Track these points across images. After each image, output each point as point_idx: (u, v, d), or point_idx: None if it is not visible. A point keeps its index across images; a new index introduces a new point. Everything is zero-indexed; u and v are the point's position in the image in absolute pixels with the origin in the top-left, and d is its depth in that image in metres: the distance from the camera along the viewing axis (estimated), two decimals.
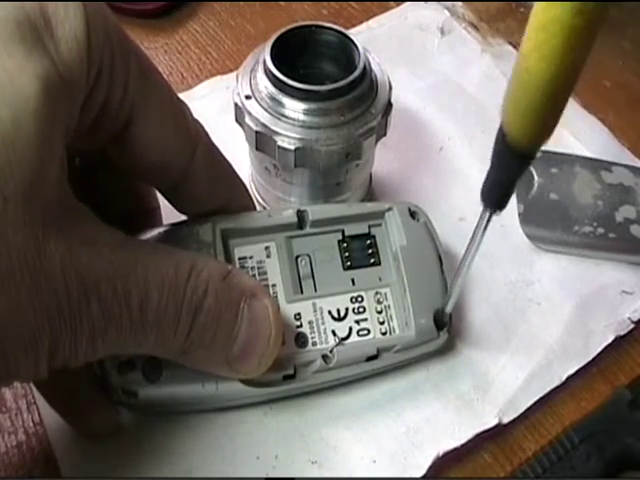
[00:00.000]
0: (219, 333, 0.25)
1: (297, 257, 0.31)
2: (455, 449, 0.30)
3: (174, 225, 0.29)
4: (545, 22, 0.17)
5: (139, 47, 0.24)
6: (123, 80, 0.23)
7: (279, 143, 0.31)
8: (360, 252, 0.31)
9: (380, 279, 0.31)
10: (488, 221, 0.25)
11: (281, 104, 0.31)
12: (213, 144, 0.28)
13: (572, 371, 0.33)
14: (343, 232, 0.31)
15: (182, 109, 0.26)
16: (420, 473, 0.29)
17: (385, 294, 0.31)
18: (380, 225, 0.32)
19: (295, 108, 0.31)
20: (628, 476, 0.32)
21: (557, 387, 0.32)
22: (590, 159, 0.40)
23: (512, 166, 0.21)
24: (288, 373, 0.29)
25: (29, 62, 0.20)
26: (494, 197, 0.23)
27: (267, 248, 0.30)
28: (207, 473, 0.29)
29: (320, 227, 0.31)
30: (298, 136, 0.31)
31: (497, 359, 0.33)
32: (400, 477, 0.29)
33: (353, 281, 0.31)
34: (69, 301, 0.21)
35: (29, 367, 0.21)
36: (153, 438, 0.29)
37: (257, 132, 0.31)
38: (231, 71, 0.45)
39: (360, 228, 0.32)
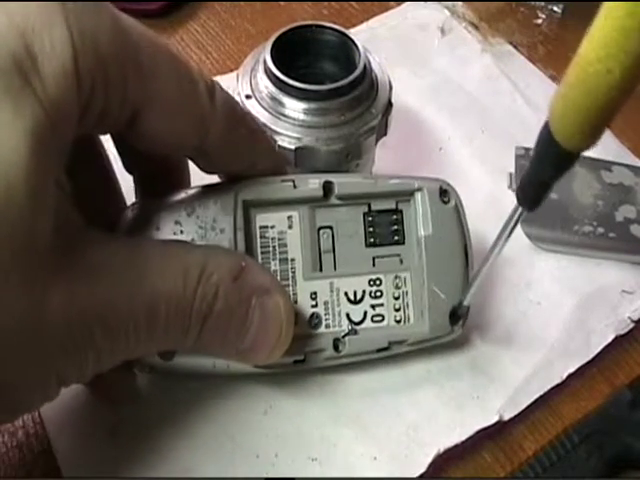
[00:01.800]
0: (229, 333, 0.26)
1: (319, 229, 0.30)
2: (456, 446, 0.30)
3: (199, 188, 0.29)
4: (623, 29, 0.17)
5: (139, 34, 0.23)
6: (120, 90, 0.22)
7: (279, 143, 0.31)
8: (385, 228, 0.30)
9: (401, 262, 0.30)
10: (519, 218, 0.25)
11: (281, 104, 0.31)
12: (235, 112, 0.27)
13: (572, 370, 0.33)
14: (369, 206, 0.30)
15: (192, 88, 0.25)
16: (421, 470, 0.29)
17: (404, 279, 0.30)
18: (409, 201, 0.31)
19: (295, 108, 0.31)
20: (628, 476, 0.32)
21: (557, 386, 0.32)
22: (590, 159, 0.40)
23: (558, 167, 0.21)
24: (298, 359, 0.29)
25: (17, 117, 0.19)
26: (531, 196, 0.24)
27: (290, 218, 0.29)
28: (207, 472, 0.29)
29: (346, 200, 0.30)
30: (298, 136, 0.31)
31: (497, 357, 0.33)
32: (400, 477, 0.29)
33: (374, 261, 0.30)
34: (73, 339, 0.21)
35: (38, 401, 0.22)
36: (153, 438, 0.29)
37: (261, 128, 0.31)
38: (231, 71, 0.45)
39: (387, 203, 0.30)
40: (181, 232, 0.28)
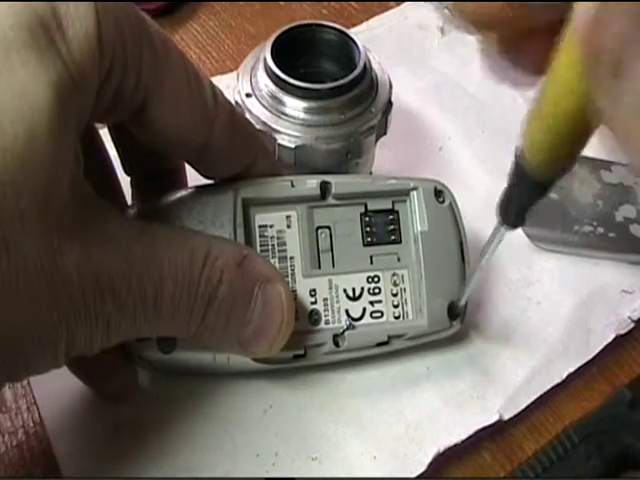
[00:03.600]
0: (232, 319, 0.26)
1: (317, 229, 0.30)
2: (455, 445, 0.30)
3: (198, 187, 0.29)
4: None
5: (154, 28, 0.24)
6: (135, 70, 0.23)
7: (280, 141, 0.31)
8: (382, 227, 0.31)
9: (399, 259, 0.31)
10: (502, 236, 0.26)
11: (282, 102, 0.31)
12: (234, 114, 0.28)
13: (572, 369, 0.33)
14: (366, 206, 0.31)
15: (199, 86, 0.26)
16: (421, 469, 0.29)
17: (402, 276, 0.31)
18: (405, 201, 0.31)
19: (296, 106, 0.31)
20: (628, 476, 0.32)
21: (557, 386, 0.32)
22: (590, 158, 0.40)
23: (529, 193, 0.22)
24: (298, 353, 0.29)
25: (42, 70, 0.20)
26: (511, 217, 0.24)
27: (288, 217, 0.30)
28: (207, 472, 0.29)
29: (343, 200, 0.30)
30: (298, 134, 0.31)
31: (497, 357, 0.33)
32: (400, 477, 0.29)
33: (371, 259, 0.30)
34: (85, 301, 0.21)
35: (46, 363, 0.22)
36: (152, 438, 0.29)
37: (257, 130, 0.31)
38: (231, 71, 0.44)
39: (384, 203, 0.31)
40: (183, 224, 0.28)
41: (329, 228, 0.30)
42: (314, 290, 0.30)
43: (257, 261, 0.27)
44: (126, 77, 0.23)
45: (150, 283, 0.23)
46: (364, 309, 0.30)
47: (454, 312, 0.31)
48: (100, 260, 0.22)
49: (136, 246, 0.23)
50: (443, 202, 0.31)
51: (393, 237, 0.31)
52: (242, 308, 0.26)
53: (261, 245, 0.29)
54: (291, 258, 0.30)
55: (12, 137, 0.19)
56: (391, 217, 0.31)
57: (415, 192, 0.31)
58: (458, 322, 0.31)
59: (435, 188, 0.31)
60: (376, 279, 0.30)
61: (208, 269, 0.25)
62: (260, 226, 0.29)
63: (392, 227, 0.31)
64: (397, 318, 0.30)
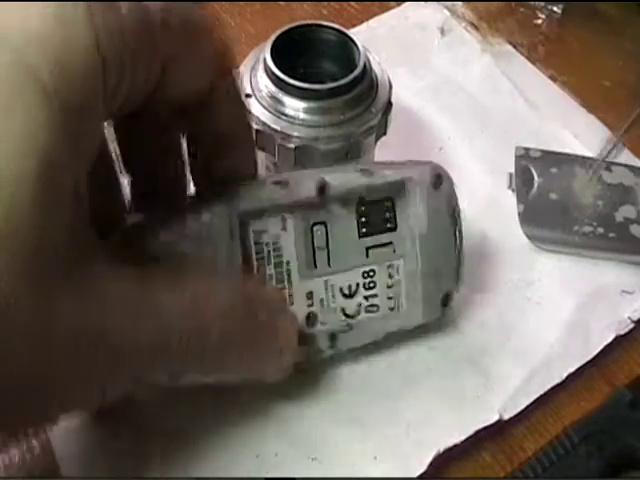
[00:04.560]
0: (244, 355, 0.26)
1: (313, 225, 0.30)
2: (455, 446, 0.30)
3: (192, 199, 0.29)
4: None
5: (166, 25, 0.22)
6: (143, 78, 0.22)
7: (279, 142, 0.31)
8: (377, 215, 0.30)
9: (394, 250, 0.31)
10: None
11: (281, 103, 0.31)
12: (235, 85, 0.26)
13: (572, 369, 0.33)
14: (361, 197, 0.30)
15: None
16: (421, 469, 0.29)
17: (397, 267, 0.31)
18: (401, 190, 0.30)
19: (295, 107, 0.31)
20: (628, 476, 0.32)
21: (557, 386, 0.32)
22: (590, 158, 0.40)
23: None
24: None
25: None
26: None
27: (283, 219, 0.29)
28: (207, 472, 0.29)
29: (339, 194, 0.30)
30: (298, 134, 0.31)
31: (497, 357, 0.33)
32: (400, 477, 0.29)
33: (367, 252, 0.30)
34: (78, 357, 0.21)
35: (40, 419, 0.22)
36: (152, 438, 0.29)
37: (257, 131, 0.31)
38: None
39: (379, 194, 0.30)
40: (177, 241, 0.27)
41: (324, 224, 0.30)
42: (310, 293, 0.30)
43: (261, 292, 0.27)
44: (133, 88, 0.21)
45: (144, 336, 0.22)
46: (359, 304, 0.30)
47: (447, 302, 0.31)
48: (94, 314, 0.21)
49: (133, 297, 0.22)
50: (440, 188, 0.31)
51: (389, 225, 0.30)
52: (251, 343, 0.26)
53: (257, 253, 0.29)
54: (287, 262, 0.29)
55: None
56: (387, 204, 0.31)
57: (411, 183, 0.30)
58: (449, 308, 0.31)
59: (432, 173, 0.30)
60: (371, 273, 0.30)
61: (209, 312, 0.24)
62: (255, 232, 0.29)
63: (387, 215, 0.31)
64: (392, 310, 0.31)
